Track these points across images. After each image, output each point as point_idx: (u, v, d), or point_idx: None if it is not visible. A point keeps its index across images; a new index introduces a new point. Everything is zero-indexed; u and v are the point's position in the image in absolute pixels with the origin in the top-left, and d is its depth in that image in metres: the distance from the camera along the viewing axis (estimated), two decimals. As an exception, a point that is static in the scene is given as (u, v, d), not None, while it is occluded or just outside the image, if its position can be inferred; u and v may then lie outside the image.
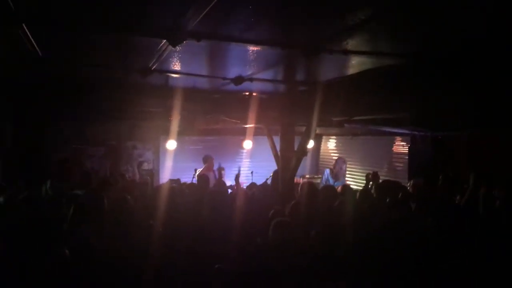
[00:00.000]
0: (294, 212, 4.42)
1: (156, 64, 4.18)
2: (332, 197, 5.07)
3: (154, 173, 9.70)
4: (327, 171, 8.28)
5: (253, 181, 7.62)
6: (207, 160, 8.73)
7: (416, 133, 7.03)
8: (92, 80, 5.79)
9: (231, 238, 3.71)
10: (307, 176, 9.16)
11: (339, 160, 8.22)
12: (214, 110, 7.40)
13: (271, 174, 7.06)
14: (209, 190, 5.82)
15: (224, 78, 4.70)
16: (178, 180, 7.31)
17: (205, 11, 2.60)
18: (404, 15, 2.80)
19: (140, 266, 3.30)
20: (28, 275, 2.84)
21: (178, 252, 3.61)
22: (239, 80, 4.57)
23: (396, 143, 8.00)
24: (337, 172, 7.96)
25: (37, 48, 3.72)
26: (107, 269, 3.27)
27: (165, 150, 9.46)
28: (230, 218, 4.15)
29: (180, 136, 9.02)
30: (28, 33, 3.25)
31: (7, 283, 2.88)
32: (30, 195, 5.14)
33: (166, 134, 9.00)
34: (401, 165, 7.78)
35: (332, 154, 9.79)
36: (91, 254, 3.32)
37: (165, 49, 3.55)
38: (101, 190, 5.64)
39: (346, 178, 8.79)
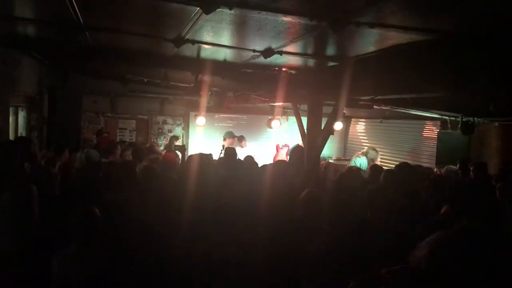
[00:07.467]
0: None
1: (189, 34, 4.26)
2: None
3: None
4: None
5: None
6: (227, 136, 8.88)
7: (446, 117, 6.93)
8: (130, 51, 5.94)
9: (260, 213, 3.70)
10: (334, 158, 9.18)
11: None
12: (244, 87, 7.47)
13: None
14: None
15: (254, 50, 4.75)
16: (210, 155, 7.38)
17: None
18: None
19: (169, 233, 3.37)
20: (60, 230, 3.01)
21: (205, 222, 3.61)
22: (268, 52, 4.60)
23: (426, 127, 7.90)
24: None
25: (79, 15, 3.89)
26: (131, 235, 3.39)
27: (195, 126, 9.67)
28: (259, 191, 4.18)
29: (209, 113, 9.18)
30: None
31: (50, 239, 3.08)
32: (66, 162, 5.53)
33: (196, 111, 9.20)
34: (429, 150, 7.70)
35: (360, 137, 9.75)
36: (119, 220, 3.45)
37: (198, 17, 3.63)
38: (134, 159, 5.92)
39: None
